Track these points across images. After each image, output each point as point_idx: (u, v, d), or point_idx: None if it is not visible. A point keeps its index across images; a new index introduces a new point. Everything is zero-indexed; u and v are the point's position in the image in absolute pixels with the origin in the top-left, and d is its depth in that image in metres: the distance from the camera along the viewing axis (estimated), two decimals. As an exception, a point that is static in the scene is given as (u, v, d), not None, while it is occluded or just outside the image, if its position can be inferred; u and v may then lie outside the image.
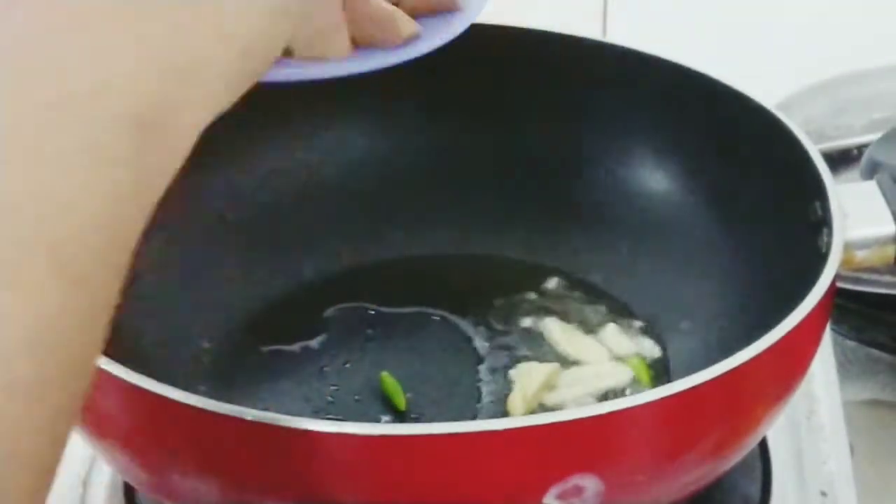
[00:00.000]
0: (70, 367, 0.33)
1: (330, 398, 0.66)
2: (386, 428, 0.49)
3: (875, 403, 0.79)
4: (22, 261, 0.31)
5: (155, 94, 0.36)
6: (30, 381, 0.31)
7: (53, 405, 0.32)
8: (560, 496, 0.48)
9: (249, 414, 0.48)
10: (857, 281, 0.77)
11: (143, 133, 0.35)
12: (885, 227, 0.59)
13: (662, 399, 0.48)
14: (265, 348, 0.69)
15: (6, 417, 0.30)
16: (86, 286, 0.33)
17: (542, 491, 0.48)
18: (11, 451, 0.31)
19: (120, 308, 0.35)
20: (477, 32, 0.73)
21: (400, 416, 0.64)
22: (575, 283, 0.73)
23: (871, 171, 0.62)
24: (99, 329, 0.34)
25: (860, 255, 0.59)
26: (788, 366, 0.54)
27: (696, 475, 0.53)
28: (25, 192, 0.32)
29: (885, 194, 0.60)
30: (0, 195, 0.31)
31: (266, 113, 0.72)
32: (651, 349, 0.68)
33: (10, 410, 0.30)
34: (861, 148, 0.88)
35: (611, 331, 0.69)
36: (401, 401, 0.65)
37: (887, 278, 0.77)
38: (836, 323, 0.80)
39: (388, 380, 0.66)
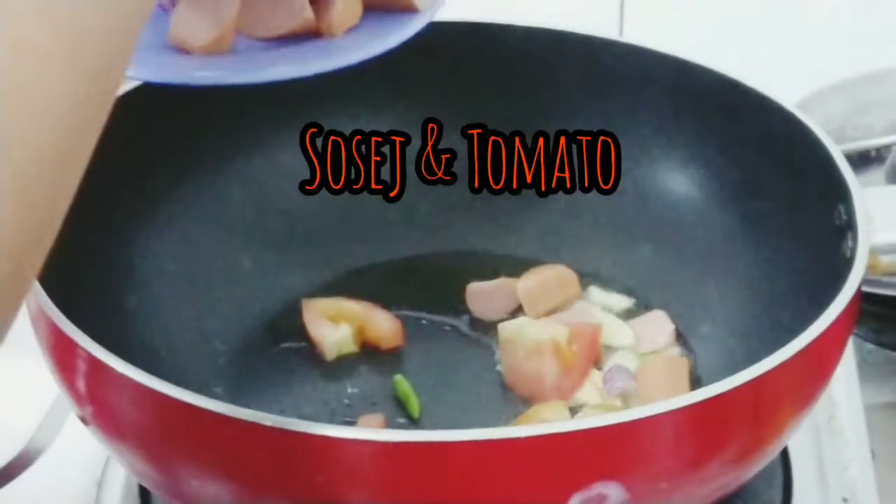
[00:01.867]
0: (87, 38, 0.33)
1: (347, 401, 0.65)
2: (406, 435, 0.48)
3: (894, 407, 0.78)
4: None
5: None
6: (40, 42, 0.31)
7: (74, 73, 0.32)
8: (583, 504, 0.48)
9: (268, 419, 0.47)
10: (876, 283, 0.76)
11: None
12: (910, 232, 0.58)
13: (686, 407, 0.48)
14: (281, 349, 0.68)
15: (14, 74, 0.31)
16: None
17: (565, 499, 0.47)
18: (24, 109, 0.31)
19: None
20: (494, 32, 0.73)
21: (417, 421, 0.64)
22: (594, 284, 0.72)
23: (897, 175, 0.61)
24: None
25: (886, 261, 0.58)
26: (813, 373, 0.53)
27: (720, 483, 0.53)
28: None
29: (910, 198, 0.59)
30: None
31: (277, 114, 0.72)
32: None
33: (18, 68, 0.31)
34: (881, 149, 0.87)
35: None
36: (414, 406, 0.64)
37: (905, 281, 0.76)
38: (855, 325, 0.79)
39: (402, 384, 0.65)
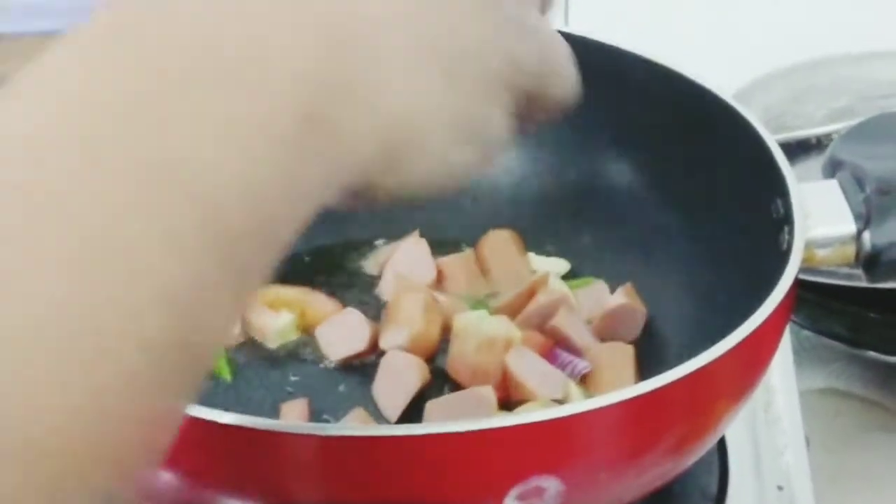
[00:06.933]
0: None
1: (290, 388, 0.65)
2: (346, 429, 0.48)
3: (829, 392, 0.79)
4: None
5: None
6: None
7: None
8: (521, 497, 0.48)
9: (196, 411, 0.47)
10: (813, 272, 0.77)
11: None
12: (845, 227, 0.59)
13: (623, 402, 0.48)
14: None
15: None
16: (232, 242, 0.33)
17: (503, 492, 0.48)
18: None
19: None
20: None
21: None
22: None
23: (833, 170, 0.62)
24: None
25: (821, 254, 0.59)
26: (750, 365, 0.54)
27: (657, 474, 0.53)
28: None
29: (845, 193, 0.60)
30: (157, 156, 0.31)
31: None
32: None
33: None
34: (820, 138, 0.88)
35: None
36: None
37: (843, 269, 0.77)
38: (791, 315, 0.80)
39: None
